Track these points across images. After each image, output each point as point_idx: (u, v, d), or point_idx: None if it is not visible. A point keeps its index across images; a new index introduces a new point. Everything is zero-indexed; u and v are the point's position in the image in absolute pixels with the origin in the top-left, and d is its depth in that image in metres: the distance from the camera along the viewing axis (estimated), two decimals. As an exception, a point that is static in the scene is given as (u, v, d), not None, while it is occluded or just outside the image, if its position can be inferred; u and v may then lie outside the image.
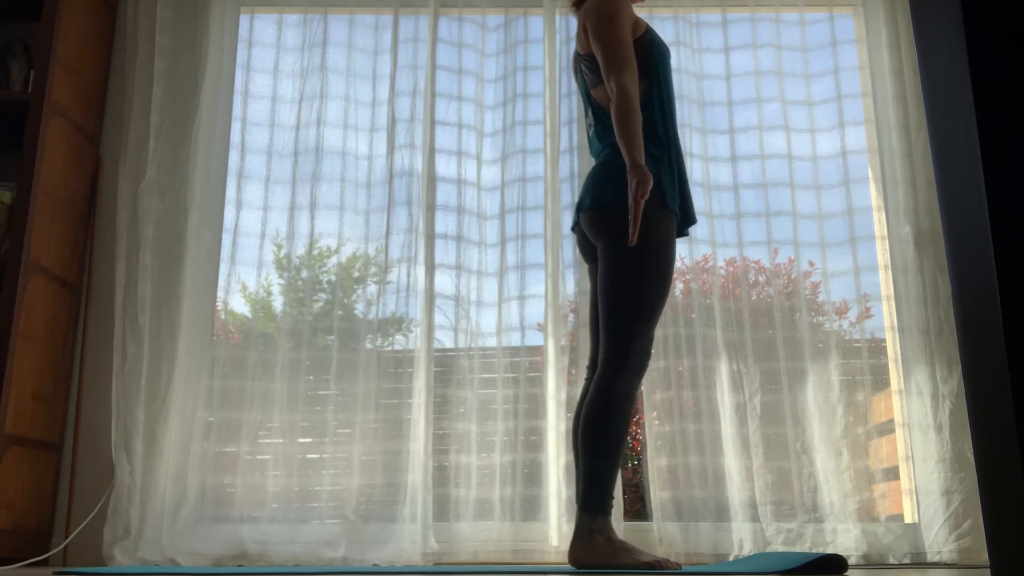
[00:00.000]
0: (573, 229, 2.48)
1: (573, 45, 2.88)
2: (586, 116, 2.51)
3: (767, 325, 2.96)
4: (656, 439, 2.87)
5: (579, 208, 2.38)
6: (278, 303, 3.05)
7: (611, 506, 2.19)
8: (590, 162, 2.75)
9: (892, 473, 2.91)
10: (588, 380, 2.39)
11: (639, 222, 2.15)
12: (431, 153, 3.07)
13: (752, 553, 2.71)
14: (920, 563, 2.74)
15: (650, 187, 2.16)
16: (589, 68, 2.42)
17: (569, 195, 3.02)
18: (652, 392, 2.89)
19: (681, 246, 3.00)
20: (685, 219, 2.40)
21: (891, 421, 2.93)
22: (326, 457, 2.88)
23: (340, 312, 3.01)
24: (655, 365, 2.91)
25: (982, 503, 1.09)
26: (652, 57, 2.38)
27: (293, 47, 3.19)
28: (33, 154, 2.66)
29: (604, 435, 2.18)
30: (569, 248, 2.99)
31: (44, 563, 2.74)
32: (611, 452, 2.18)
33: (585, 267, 2.77)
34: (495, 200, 3.09)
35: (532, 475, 2.84)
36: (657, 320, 2.27)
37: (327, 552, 2.73)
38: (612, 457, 2.18)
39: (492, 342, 2.96)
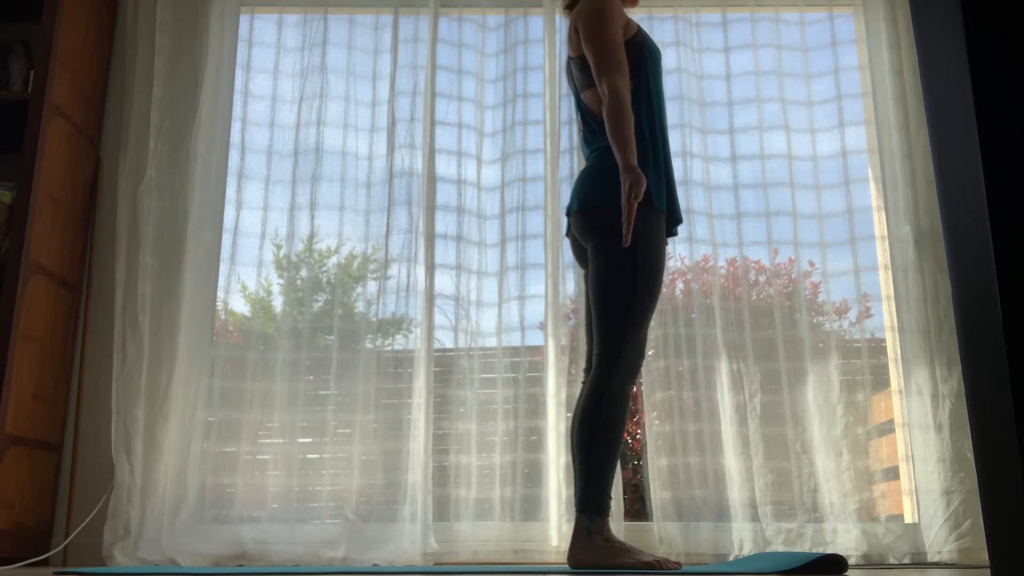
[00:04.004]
0: (567, 234, 2.49)
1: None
2: (576, 120, 2.52)
3: (767, 325, 2.96)
4: (656, 439, 2.87)
5: (568, 212, 2.39)
6: (278, 303, 3.05)
7: (608, 507, 2.19)
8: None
9: (892, 473, 2.91)
10: (585, 382, 2.39)
11: (632, 223, 2.16)
12: (431, 153, 3.07)
13: (752, 553, 2.71)
14: (920, 563, 2.74)
15: (643, 189, 2.17)
16: (580, 71, 2.43)
17: (569, 195, 3.03)
18: (652, 392, 2.89)
19: (681, 246, 3.00)
20: (672, 219, 2.41)
21: (891, 421, 2.93)
22: (326, 457, 2.88)
23: (340, 312, 3.01)
24: (655, 365, 2.91)
25: (982, 503, 1.09)
26: (642, 58, 2.39)
27: (293, 47, 3.19)
28: (33, 154, 2.66)
29: (599, 436, 2.18)
30: (569, 248, 2.98)
31: (44, 563, 2.74)
32: (606, 453, 2.18)
33: (585, 267, 2.77)
34: (495, 200, 3.09)
35: (532, 475, 2.84)
36: (649, 320, 2.28)
37: (327, 552, 2.73)
38: (608, 458, 2.19)
39: (492, 342, 2.96)
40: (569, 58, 2.49)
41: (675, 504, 2.80)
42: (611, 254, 2.25)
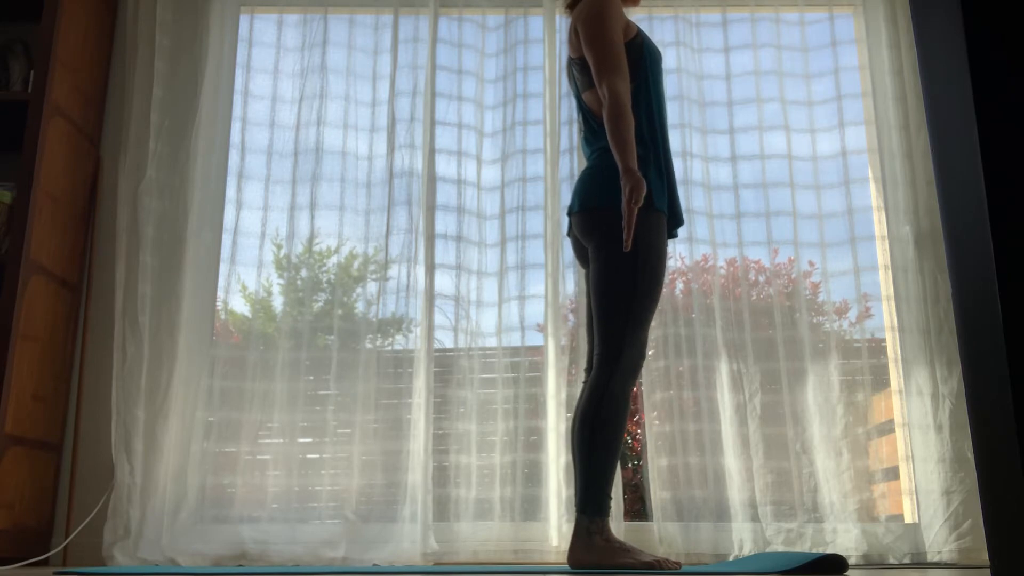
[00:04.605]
0: (568, 234, 2.49)
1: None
2: (577, 120, 2.52)
3: (767, 325, 2.96)
4: (656, 439, 2.87)
5: (569, 212, 2.40)
6: (278, 303, 3.05)
7: (609, 507, 2.19)
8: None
9: (892, 473, 2.91)
10: (585, 382, 2.40)
11: (633, 227, 2.16)
12: (431, 153, 3.08)
13: (752, 553, 2.71)
14: (920, 563, 2.74)
15: (643, 193, 2.17)
16: (581, 72, 2.43)
17: (569, 195, 3.03)
18: (652, 392, 2.89)
19: (681, 246, 3.00)
20: (673, 220, 2.41)
21: (891, 421, 2.93)
22: (326, 457, 2.88)
23: (340, 312, 3.01)
24: (655, 365, 2.91)
25: (982, 503, 1.10)
26: (642, 59, 2.39)
27: (293, 47, 3.19)
28: (33, 154, 2.66)
29: (599, 437, 2.18)
30: (569, 248, 2.99)
31: (44, 563, 2.74)
32: (607, 453, 2.18)
33: (585, 267, 2.77)
34: (495, 200, 3.09)
35: (532, 475, 2.84)
36: (650, 320, 2.28)
37: (327, 552, 2.73)
38: (608, 458, 2.19)
39: (492, 342, 2.96)
40: (570, 59, 2.49)
41: (675, 504, 2.80)
42: (612, 255, 2.25)
